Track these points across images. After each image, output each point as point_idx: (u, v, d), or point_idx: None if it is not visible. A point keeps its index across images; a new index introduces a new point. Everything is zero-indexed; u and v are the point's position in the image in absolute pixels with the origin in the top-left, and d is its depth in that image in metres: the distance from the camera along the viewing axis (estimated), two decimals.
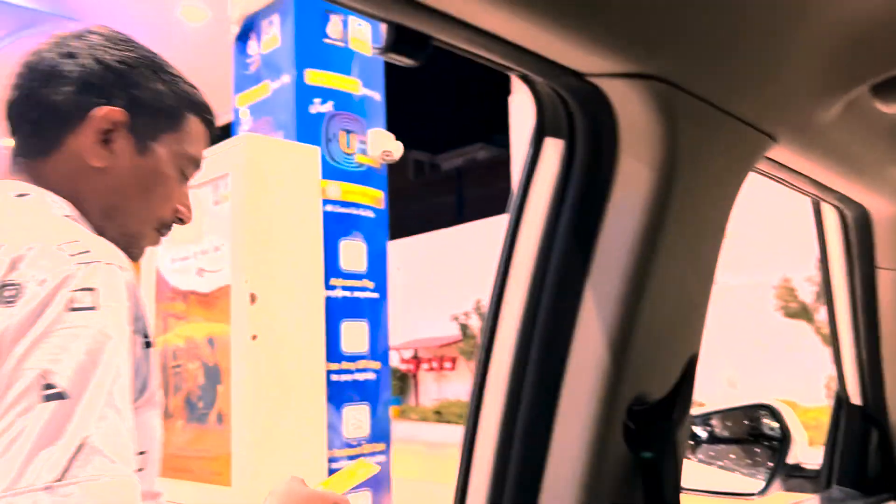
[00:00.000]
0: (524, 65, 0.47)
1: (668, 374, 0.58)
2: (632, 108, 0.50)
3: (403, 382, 15.80)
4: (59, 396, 0.65)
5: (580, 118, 0.53)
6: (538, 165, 0.57)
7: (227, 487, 2.50)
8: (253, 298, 2.52)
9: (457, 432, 11.76)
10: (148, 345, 0.77)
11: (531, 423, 0.56)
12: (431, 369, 15.55)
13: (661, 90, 0.48)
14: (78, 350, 0.67)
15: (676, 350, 0.58)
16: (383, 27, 0.40)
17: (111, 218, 0.88)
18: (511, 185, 16.05)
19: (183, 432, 2.77)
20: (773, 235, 9.98)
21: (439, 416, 13.93)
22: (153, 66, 0.91)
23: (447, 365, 15.34)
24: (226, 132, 3.17)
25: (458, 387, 15.26)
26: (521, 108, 15.78)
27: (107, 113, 0.85)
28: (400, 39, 0.39)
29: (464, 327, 14.82)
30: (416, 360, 15.75)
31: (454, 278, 15.78)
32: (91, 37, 0.88)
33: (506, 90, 16.27)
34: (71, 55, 0.86)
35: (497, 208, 16.44)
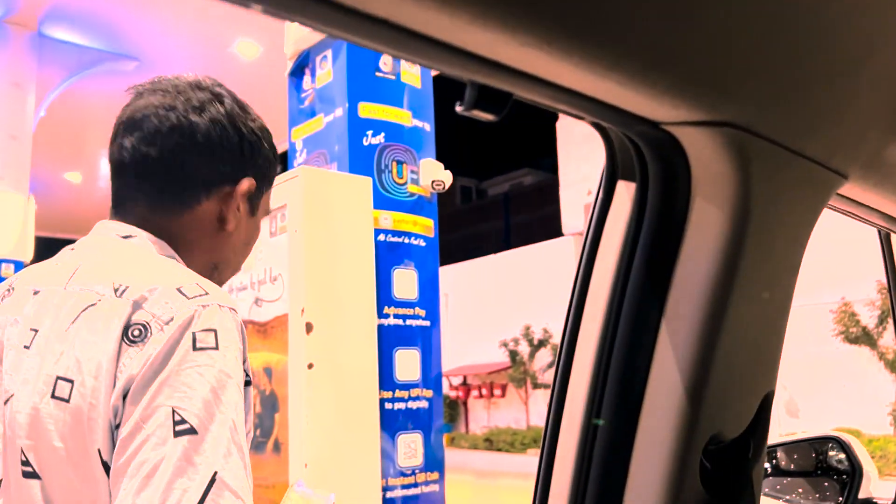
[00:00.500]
0: (599, 115, 0.49)
1: (743, 412, 0.58)
2: (705, 153, 0.51)
3: (453, 409, 15.73)
4: (191, 432, 0.69)
5: (653, 163, 0.54)
6: (611, 207, 0.58)
7: None
8: (309, 328, 2.57)
9: (507, 461, 11.67)
10: (248, 384, 0.80)
11: (606, 461, 0.56)
12: (481, 396, 15.45)
13: (733, 136, 0.49)
14: (204, 388, 0.71)
15: (752, 388, 0.59)
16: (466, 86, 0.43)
17: (218, 270, 0.95)
18: (559, 209, 15.98)
19: None
20: (828, 257, 9.70)
21: (490, 444, 13.79)
22: (268, 136, 0.97)
23: (497, 392, 15.22)
24: (281, 165, 3.25)
25: (507, 414, 15.12)
26: (568, 133, 15.77)
27: (249, 187, 0.92)
28: (482, 97, 0.41)
29: (513, 354, 14.70)
30: (466, 386, 15.67)
31: (502, 304, 15.72)
32: (224, 98, 0.92)
33: (552, 115, 16.29)
34: (210, 119, 0.89)
35: (544, 234, 16.37)
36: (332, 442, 2.56)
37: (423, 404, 2.94)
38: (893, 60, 0.51)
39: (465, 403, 15.88)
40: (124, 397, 0.71)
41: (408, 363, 2.92)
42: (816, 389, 11.04)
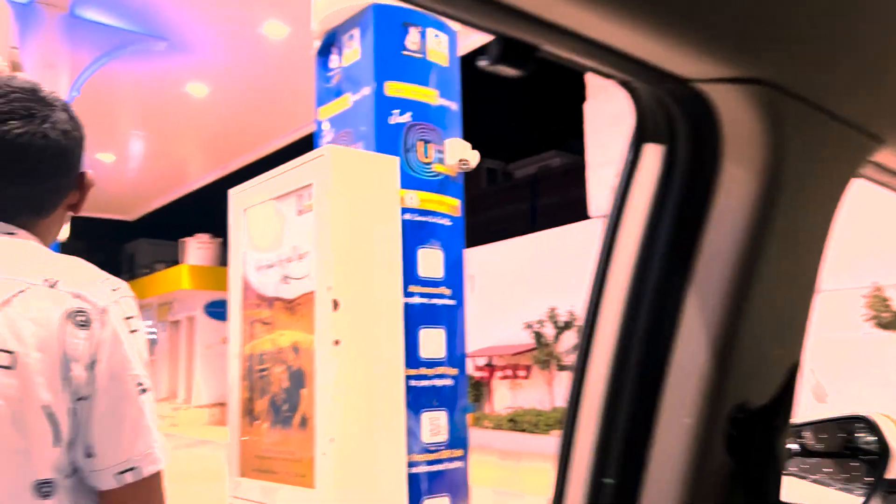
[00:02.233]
0: (627, 71, 0.48)
1: (770, 382, 0.57)
2: (736, 112, 0.50)
3: (477, 390, 15.78)
4: (144, 391, 1.01)
5: (682, 123, 0.53)
6: (637, 171, 0.57)
7: (311, 489, 2.57)
8: (336, 305, 2.59)
9: (531, 441, 11.66)
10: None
11: (630, 427, 0.56)
12: (505, 377, 15.49)
13: (766, 94, 0.48)
14: (142, 361, 1.01)
15: (779, 358, 0.58)
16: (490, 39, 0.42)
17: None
18: (586, 192, 15.86)
19: (268, 434, 2.87)
20: (860, 240, 9.51)
21: (513, 424, 13.84)
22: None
23: (521, 373, 15.24)
24: (307, 144, 3.26)
25: (531, 395, 15.15)
26: (597, 115, 15.59)
27: (91, 176, 1.13)
28: (507, 51, 0.41)
29: (538, 336, 14.69)
30: (490, 367, 15.72)
31: (528, 287, 15.70)
32: (56, 103, 1.08)
33: (580, 97, 16.12)
34: (69, 116, 1.08)
35: (571, 216, 16.26)
36: (358, 417, 2.59)
37: (448, 382, 2.96)
38: None
39: (489, 384, 15.93)
40: (91, 367, 0.95)
41: (433, 341, 2.94)
42: (845, 375, 10.89)
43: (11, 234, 1.02)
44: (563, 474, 0.60)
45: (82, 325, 0.96)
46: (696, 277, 0.54)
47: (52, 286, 0.96)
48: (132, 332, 1.01)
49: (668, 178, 0.55)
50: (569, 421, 0.60)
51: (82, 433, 0.96)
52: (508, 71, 0.42)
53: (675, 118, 0.53)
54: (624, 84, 0.52)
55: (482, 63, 0.42)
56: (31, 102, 1.03)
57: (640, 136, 0.57)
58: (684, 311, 0.54)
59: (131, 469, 0.97)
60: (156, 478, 1.01)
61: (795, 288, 0.57)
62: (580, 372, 0.59)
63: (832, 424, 1.25)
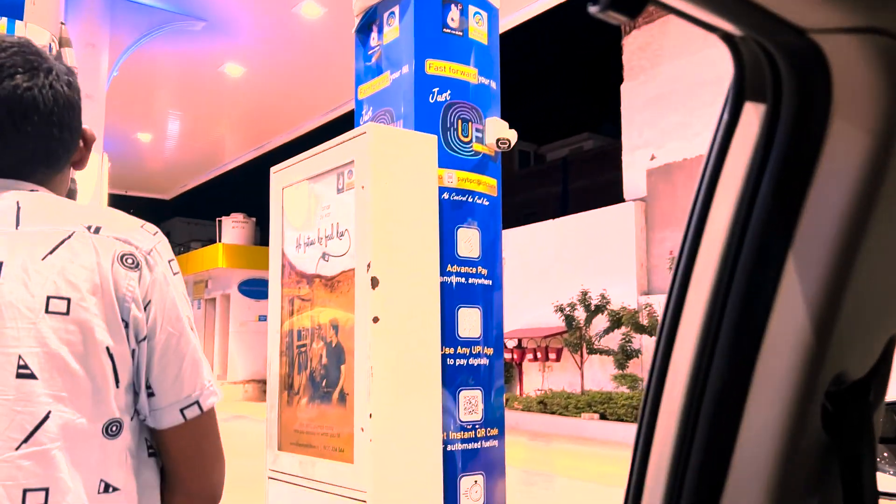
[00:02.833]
0: (741, 21, 0.45)
1: (868, 353, 0.55)
2: (851, 65, 0.47)
3: (508, 372, 15.81)
4: (193, 329, 1.04)
5: (790, 79, 0.50)
6: (736, 130, 0.55)
7: (349, 464, 2.61)
8: (375, 282, 2.61)
9: (561, 423, 11.63)
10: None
11: (720, 400, 0.54)
12: (536, 359, 15.48)
13: (885, 45, 0.45)
14: (188, 302, 1.05)
15: (878, 328, 0.55)
16: None
17: None
18: (618, 175, 15.68)
19: (307, 409, 2.92)
20: None
21: (543, 406, 13.85)
22: None
23: (552, 356, 15.22)
24: (342, 124, 3.27)
25: (562, 378, 15.13)
26: (633, 97, 15.37)
27: (90, 131, 1.14)
28: None
29: (569, 319, 14.63)
30: (521, 349, 15.72)
31: (560, 270, 15.62)
32: (49, 55, 1.08)
33: (615, 78, 15.89)
34: (69, 75, 1.09)
35: (603, 200, 16.11)
36: (396, 394, 2.62)
37: (484, 361, 2.97)
38: None
39: (519, 366, 15.94)
40: (146, 308, 0.98)
41: (470, 321, 2.95)
42: None
43: (34, 190, 1.03)
44: (646, 451, 0.58)
45: (132, 268, 0.97)
46: (797, 243, 0.52)
47: (95, 232, 0.98)
48: (175, 273, 1.04)
49: (769, 138, 0.52)
50: (652, 393, 0.58)
51: (144, 373, 0.99)
52: (618, 17, 0.41)
53: (783, 74, 0.50)
54: (727, 38, 0.50)
55: (592, 10, 0.40)
56: (30, 56, 1.02)
57: (740, 95, 0.54)
58: (783, 278, 0.52)
59: (195, 403, 1.01)
60: (213, 410, 1.05)
61: None
62: (668, 341, 0.58)
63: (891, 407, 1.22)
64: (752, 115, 0.54)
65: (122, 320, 0.95)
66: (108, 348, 0.94)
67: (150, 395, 0.99)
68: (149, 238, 1.02)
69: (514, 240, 16.13)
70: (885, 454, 1.19)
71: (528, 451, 10.58)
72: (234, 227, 21.62)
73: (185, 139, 15.67)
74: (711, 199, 0.56)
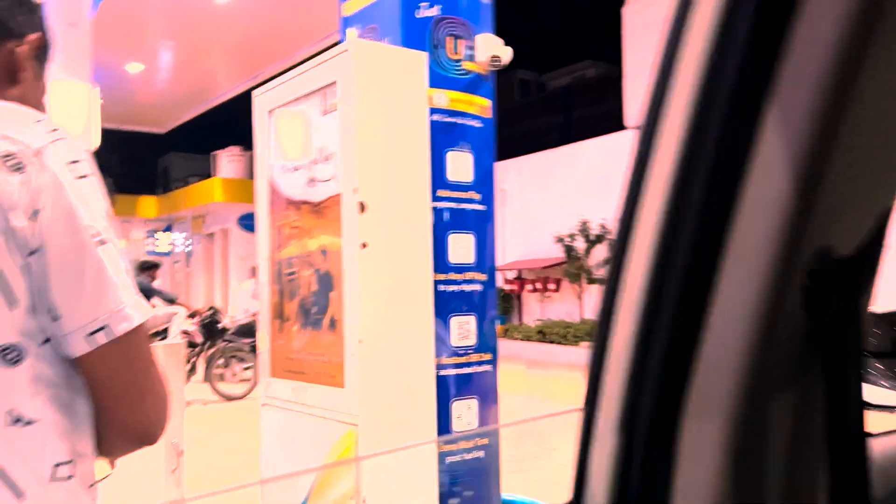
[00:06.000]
0: None
1: (856, 227, 0.48)
2: None
3: (507, 303, 15.91)
4: (102, 243, 0.90)
5: None
6: None
7: (341, 389, 2.60)
8: (362, 207, 2.54)
9: (559, 351, 11.83)
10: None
11: (687, 275, 0.47)
12: (535, 290, 15.56)
13: None
14: (97, 211, 0.90)
15: (868, 199, 0.49)
16: None
17: None
18: (621, 102, 15.39)
19: (298, 336, 2.89)
20: None
21: (542, 336, 13.99)
22: None
23: (551, 286, 15.29)
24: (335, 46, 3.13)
25: (561, 308, 15.24)
26: (635, 21, 14.93)
27: (38, 37, 1.03)
28: None
29: (569, 249, 14.63)
30: (520, 280, 15.78)
31: (559, 200, 15.52)
32: None
33: (616, 1, 15.40)
34: None
35: (607, 128, 15.86)
36: (386, 320, 2.58)
37: (478, 287, 2.93)
38: None
39: (519, 297, 16.04)
40: (34, 217, 0.85)
41: (461, 246, 2.89)
42: None
43: None
44: (604, 336, 0.52)
45: (16, 170, 0.84)
46: (777, 92, 0.44)
47: None
48: (80, 177, 0.89)
49: None
50: (613, 268, 0.51)
51: (42, 293, 0.87)
52: None
53: None
54: None
55: None
56: None
57: None
58: (763, 133, 0.44)
59: (102, 329, 0.88)
60: (133, 337, 0.91)
61: None
62: (628, 211, 0.50)
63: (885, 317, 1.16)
64: None
65: (4, 231, 0.84)
66: None
67: (54, 318, 0.88)
68: (41, 135, 0.88)
69: (516, 170, 15.98)
70: (879, 366, 1.13)
71: (525, 379, 10.75)
72: (230, 161, 21.40)
73: (178, 70, 15.33)
74: (673, 62, 0.47)
